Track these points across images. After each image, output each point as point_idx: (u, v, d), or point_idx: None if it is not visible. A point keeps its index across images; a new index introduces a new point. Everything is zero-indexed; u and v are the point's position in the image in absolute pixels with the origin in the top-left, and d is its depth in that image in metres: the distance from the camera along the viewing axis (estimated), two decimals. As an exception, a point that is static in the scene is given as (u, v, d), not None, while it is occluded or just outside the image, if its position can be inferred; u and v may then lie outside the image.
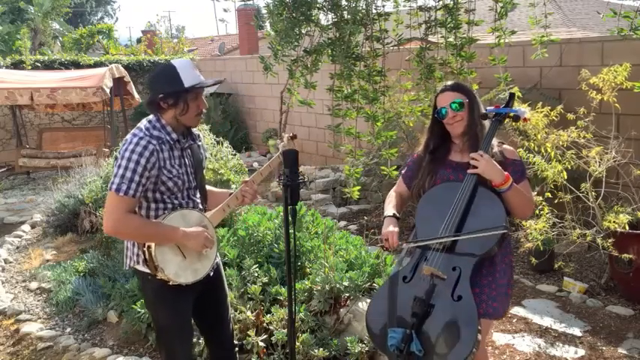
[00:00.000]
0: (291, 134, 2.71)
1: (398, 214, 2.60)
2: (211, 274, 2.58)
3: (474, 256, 2.31)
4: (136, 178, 2.27)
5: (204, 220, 2.51)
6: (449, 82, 2.57)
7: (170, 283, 2.39)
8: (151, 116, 2.45)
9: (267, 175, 2.72)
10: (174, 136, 2.41)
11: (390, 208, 2.63)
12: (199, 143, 2.62)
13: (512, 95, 2.61)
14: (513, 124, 2.75)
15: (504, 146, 2.55)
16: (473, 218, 2.35)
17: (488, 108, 2.56)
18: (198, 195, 2.58)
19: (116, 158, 2.37)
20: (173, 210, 2.43)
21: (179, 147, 2.45)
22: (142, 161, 2.28)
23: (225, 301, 2.75)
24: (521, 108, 2.59)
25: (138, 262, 2.46)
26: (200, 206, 2.58)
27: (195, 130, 2.60)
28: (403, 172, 2.74)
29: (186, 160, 2.49)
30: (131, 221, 2.31)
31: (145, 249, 2.34)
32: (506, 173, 2.36)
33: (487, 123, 2.52)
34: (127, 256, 2.52)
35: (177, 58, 2.48)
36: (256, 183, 2.64)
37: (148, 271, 2.42)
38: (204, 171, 2.73)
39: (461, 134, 2.50)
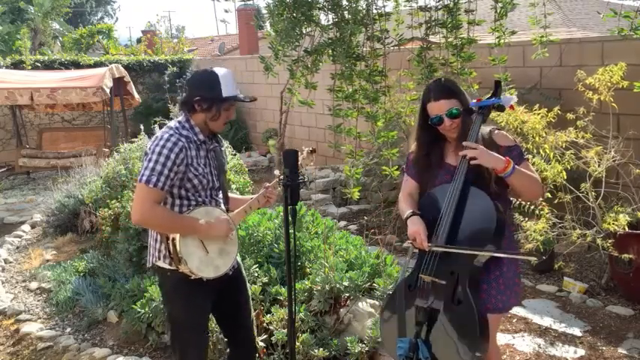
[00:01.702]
0: (311, 148, 2.79)
1: (418, 212, 2.50)
2: (230, 273, 2.63)
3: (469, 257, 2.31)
4: (165, 171, 2.39)
5: (227, 217, 2.58)
6: (437, 86, 2.46)
7: (191, 277, 2.45)
8: (180, 117, 2.56)
9: None
10: (201, 137, 2.53)
11: (407, 208, 2.53)
12: (222, 148, 2.72)
13: (497, 83, 2.51)
14: (514, 122, 2.69)
15: (497, 132, 2.49)
16: (464, 220, 2.34)
17: (472, 102, 2.47)
18: (220, 195, 2.67)
19: (146, 153, 2.47)
20: (197, 206, 2.52)
21: (205, 148, 2.56)
22: (172, 156, 2.39)
23: (246, 302, 2.79)
24: (507, 96, 2.50)
25: (159, 258, 2.53)
26: (222, 206, 2.66)
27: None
28: (406, 169, 2.68)
29: (211, 161, 2.59)
30: (158, 212, 2.41)
31: (170, 241, 2.42)
32: (506, 157, 2.32)
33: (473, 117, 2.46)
34: (150, 253, 2.60)
35: (221, 67, 2.57)
36: (276, 189, 2.74)
37: (168, 267, 2.49)
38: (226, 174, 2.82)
39: (457, 137, 2.47)
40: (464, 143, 2.34)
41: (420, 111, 2.52)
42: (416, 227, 2.39)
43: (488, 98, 2.48)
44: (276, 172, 2.67)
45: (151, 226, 2.54)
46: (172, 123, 2.54)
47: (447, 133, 2.48)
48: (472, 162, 2.31)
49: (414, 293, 2.38)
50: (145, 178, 2.38)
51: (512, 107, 2.53)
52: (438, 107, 2.41)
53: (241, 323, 2.78)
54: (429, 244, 2.34)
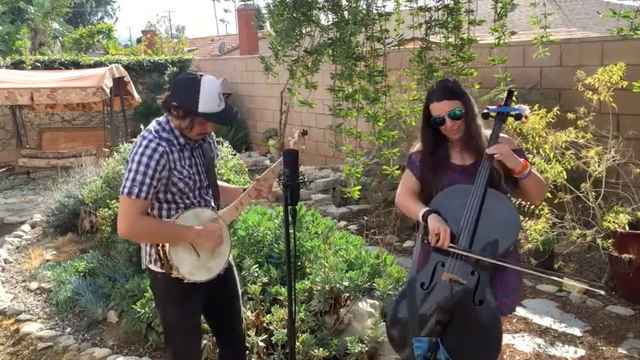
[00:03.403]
0: (302, 130, 2.69)
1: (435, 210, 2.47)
2: (222, 273, 2.58)
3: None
4: (147, 180, 2.29)
5: (218, 218, 2.53)
6: (440, 87, 2.47)
7: (185, 282, 2.41)
8: (161, 117, 2.46)
9: (277, 172, 2.68)
10: (181, 140, 2.42)
11: (420, 205, 2.48)
12: (210, 141, 2.62)
13: (510, 93, 2.57)
14: (513, 123, 2.73)
15: (501, 134, 2.52)
16: (487, 222, 2.34)
17: (489, 107, 2.53)
18: (210, 193, 2.59)
19: (126, 161, 2.38)
20: (186, 209, 2.45)
21: (189, 148, 2.47)
22: (152, 164, 2.29)
23: (236, 301, 2.76)
24: (521, 106, 2.56)
25: (151, 262, 2.49)
26: (212, 204, 2.59)
27: None
28: (411, 166, 2.64)
29: (197, 159, 2.51)
30: (145, 224, 2.34)
31: (160, 248, 2.37)
32: (523, 160, 2.37)
33: (484, 122, 2.51)
34: (142, 256, 2.56)
35: (210, 77, 2.38)
36: (268, 179, 2.64)
37: (159, 270, 2.45)
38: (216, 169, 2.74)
39: (459, 138, 2.49)
40: (487, 150, 2.38)
41: (422, 111, 2.53)
42: (442, 225, 2.34)
43: (504, 105, 2.52)
44: (267, 162, 2.63)
45: (138, 239, 2.48)
46: (152, 125, 2.43)
47: (448, 134, 2.48)
48: (497, 157, 2.34)
49: (429, 292, 2.36)
50: (126, 190, 2.29)
51: (526, 117, 2.58)
52: (440, 108, 2.42)
53: (231, 323, 2.75)
54: (451, 245, 2.33)
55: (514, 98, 2.64)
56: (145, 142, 2.33)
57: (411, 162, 2.66)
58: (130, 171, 2.31)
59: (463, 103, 2.43)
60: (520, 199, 3.67)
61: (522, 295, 2.62)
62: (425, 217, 2.41)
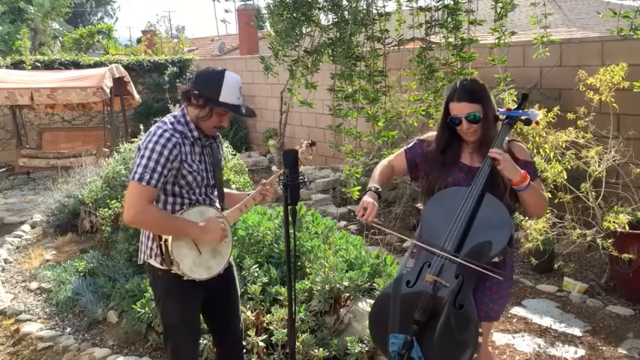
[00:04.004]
0: (310, 141, 2.72)
1: (380, 190, 2.52)
2: (222, 272, 2.59)
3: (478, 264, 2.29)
4: (159, 168, 2.32)
5: (221, 217, 2.54)
6: (463, 88, 2.44)
7: (184, 279, 2.42)
8: (177, 111, 2.50)
9: None
10: (195, 133, 2.46)
11: (378, 180, 2.55)
12: (218, 144, 2.67)
13: (524, 97, 2.54)
14: (523, 127, 2.69)
15: (515, 143, 2.51)
16: (479, 226, 2.33)
17: (499, 110, 2.50)
18: (215, 193, 2.62)
19: (139, 149, 2.40)
20: (191, 206, 2.46)
21: (200, 144, 2.50)
22: (165, 152, 2.33)
23: (235, 301, 2.77)
24: (533, 111, 2.52)
25: (150, 256, 2.49)
26: (217, 204, 2.61)
27: None
28: (408, 149, 2.64)
29: (206, 157, 2.54)
30: (152, 212, 2.35)
31: (162, 242, 2.38)
32: (523, 171, 2.34)
33: (498, 125, 2.49)
34: (141, 250, 2.56)
35: (232, 73, 2.49)
36: (273, 185, 2.67)
37: (159, 265, 2.46)
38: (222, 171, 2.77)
39: (474, 140, 2.47)
40: (490, 150, 2.34)
41: (443, 107, 2.52)
42: (372, 200, 2.40)
43: (515, 109, 2.49)
44: (274, 167, 2.65)
45: (143, 226, 2.49)
46: (167, 117, 2.47)
47: (464, 136, 2.47)
48: (498, 166, 2.32)
49: (413, 290, 2.36)
50: (137, 175, 2.31)
51: (537, 123, 2.54)
52: (459, 109, 2.41)
53: (229, 322, 2.75)
54: (375, 221, 2.37)
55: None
56: (159, 132, 2.37)
57: (412, 147, 2.64)
58: (142, 157, 2.33)
59: (483, 108, 2.41)
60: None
61: (507, 302, 2.59)
62: (367, 191, 2.47)
